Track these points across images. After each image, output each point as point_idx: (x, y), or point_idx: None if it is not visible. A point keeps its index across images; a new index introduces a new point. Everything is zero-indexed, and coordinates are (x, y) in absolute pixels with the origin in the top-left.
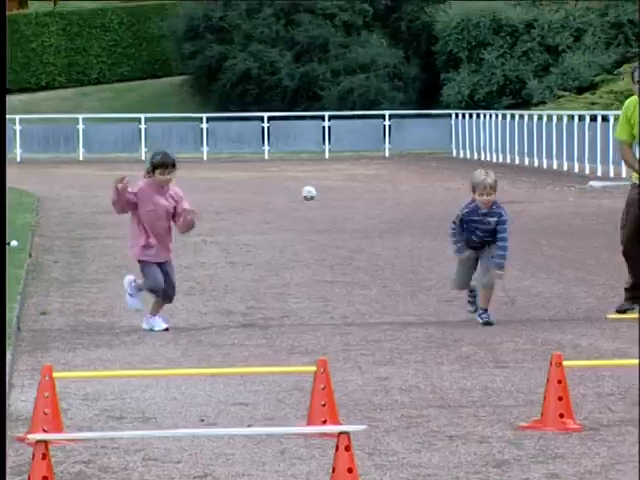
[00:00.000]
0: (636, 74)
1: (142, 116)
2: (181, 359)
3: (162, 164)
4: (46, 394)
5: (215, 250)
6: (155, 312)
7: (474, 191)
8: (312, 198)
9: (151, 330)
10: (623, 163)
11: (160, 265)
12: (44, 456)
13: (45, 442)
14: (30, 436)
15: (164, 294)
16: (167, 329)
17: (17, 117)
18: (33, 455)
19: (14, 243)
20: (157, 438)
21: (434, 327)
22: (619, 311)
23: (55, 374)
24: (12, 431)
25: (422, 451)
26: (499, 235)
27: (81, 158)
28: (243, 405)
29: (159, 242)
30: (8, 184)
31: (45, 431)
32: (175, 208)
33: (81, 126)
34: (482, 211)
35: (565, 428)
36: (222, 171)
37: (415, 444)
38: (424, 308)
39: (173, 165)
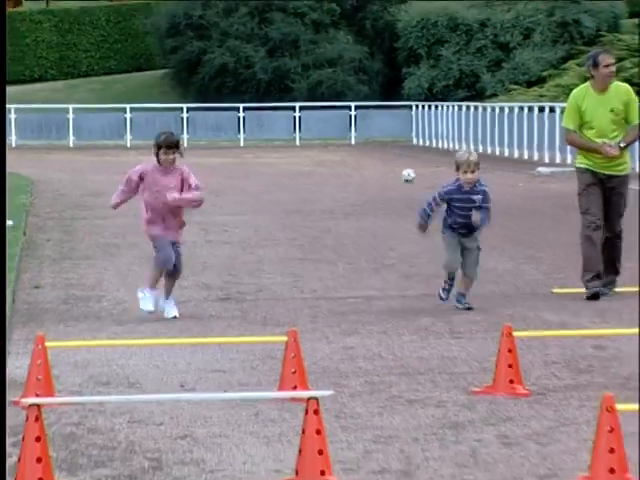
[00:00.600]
0: (590, 61)
1: (127, 106)
2: (163, 329)
3: (165, 144)
4: (39, 362)
5: (194, 229)
6: (167, 294)
7: (458, 169)
8: (412, 180)
9: (142, 309)
10: (573, 148)
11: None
12: (37, 418)
13: (38, 406)
14: (24, 400)
15: (169, 274)
16: (150, 312)
17: (12, 107)
18: (27, 417)
19: (10, 223)
20: (141, 402)
21: (395, 301)
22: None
23: (47, 343)
24: (8, 395)
25: (384, 414)
26: (487, 206)
27: (71, 145)
28: (220, 372)
29: (165, 223)
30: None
31: (38, 395)
32: (182, 186)
33: (71, 115)
34: (465, 189)
35: (515, 393)
36: (201, 157)
37: (378, 408)
38: (386, 283)
39: (176, 146)
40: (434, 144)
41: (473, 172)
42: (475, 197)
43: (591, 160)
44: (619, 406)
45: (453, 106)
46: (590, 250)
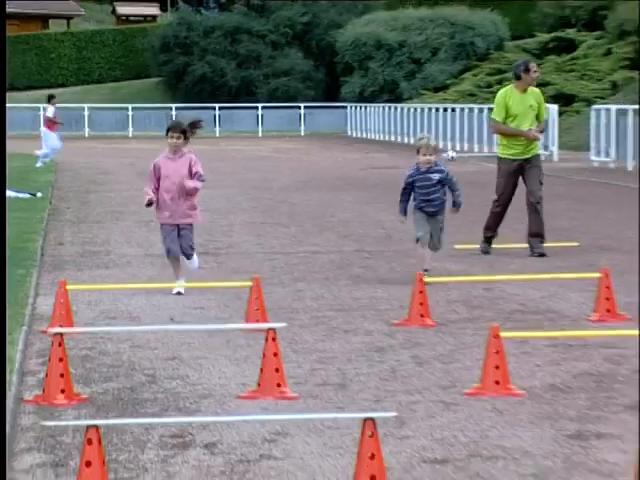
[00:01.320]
0: (522, 67)
1: (129, 106)
2: (157, 276)
3: (170, 127)
4: (61, 300)
5: None
6: (177, 275)
7: (418, 152)
8: (453, 159)
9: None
10: (498, 136)
11: (179, 228)
12: (60, 344)
13: (61, 334)
14: (50, 330)
15: (181, 249)
16: (179, 293)
17: (41, 105)
18: (52, 343)
19: (39, 194)
20: (140, 332)
21: (334, 255)
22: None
23: (68, 286)
24: (37, 326)
25: (325, 341)
26: (452, 184)
27: (87, 135)
28: (200, 309)
29: (174, 205)
30: (35, 153)
31: (61, 326)
32: (190, 171)
33: (86, 112)
34: (423, 169)
35: (424, 324)
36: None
37: (321, 336)
38: (327, 241)
39: (181, 131)
40: (364, 135)
41: (430, 155)
42: (433, 176)
43: (512, 150)
44: (503, 334)
45: (378, 107)
46: (493, 220)
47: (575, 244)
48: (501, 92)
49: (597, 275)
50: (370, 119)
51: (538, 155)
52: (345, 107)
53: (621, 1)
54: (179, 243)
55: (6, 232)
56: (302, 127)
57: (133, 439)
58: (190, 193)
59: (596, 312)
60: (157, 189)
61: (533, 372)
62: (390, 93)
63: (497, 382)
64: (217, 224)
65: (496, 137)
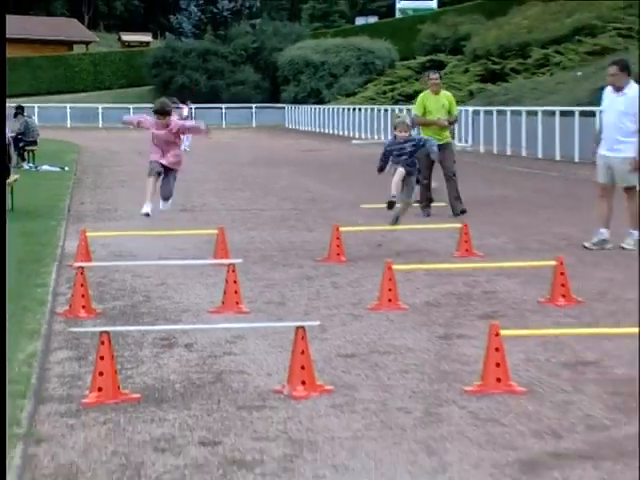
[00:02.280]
0: (426, 76)
1: (131, 106)
2: (150, 226)
3: (156, 111)
4: (83, 243)
5: None
6: (147, 199)
7: (395, 129)
8: (359, 145)
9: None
10: (420, 126)
11: (165, 170)
12: (82, 274)
13: (82, 267)
14: (74, 264)
15: (161, 191)
16: (147, 215)
17: (68, 105)
18: (76, 273)
19: (67, 168)
20: (138, 266)
21: (275, 212)
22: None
23: (87, 233)
24: (66, 262)
25: (270, 272)
26: (422, 141)
27: (100, 126)
28: (182, 250)
29: (163, 151)
30: (63, 139)
31: (82, 261)
32: (177, 132)
33: (100, 111)
34: (400, 141)
35: (339, 260)
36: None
37: (267, 269)
38: (270, 203)
39: (167, 113)
40: (297, 128)
41: (405, 131)
42: (406, 145)
43: (429, 136)
44: (395, 266)
45: (307, 107)
46: (424, 190)
47: (443, 204)
48: (421, 95)
49: (459, 226)
50: (302, 116)
51: (450, 142)
52: (284, 107)
53: (476, 34)
54: (162, 185)
55: (6, 232)
56: (253, 121)
57: (134, 341)
58: (193, 132)
59: (458, 251)
60: (152, 140)
61: (414, 293)
62: (315, 98)
63: (390, 300)
64: (193, 190)
65: (417, 128)
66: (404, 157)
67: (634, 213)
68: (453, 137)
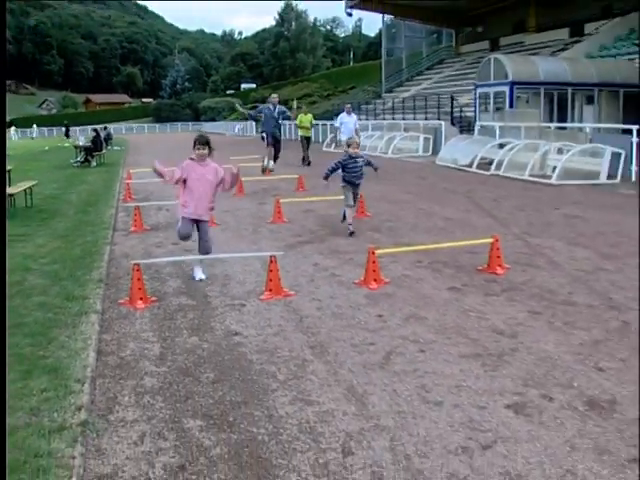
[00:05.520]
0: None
1: (146, 125)
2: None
3: (196, 140)
4: (128, 181)
5: (144, 160)
6: (196, 264)
7: (348, 146)
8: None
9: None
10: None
11: (197, 222)
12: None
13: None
14: (122, 204)
15: (200, 247)
16: (201, 280)
17: (123, 125)
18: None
19: (123, 148)
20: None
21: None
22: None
23: (131, 171)
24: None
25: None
26: (370, 162)
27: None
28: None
29: (198, 203)
30: (124, 138)
31: (129, 180)
32: (217, 179)
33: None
34: (353, 157)
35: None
36: (165, 135)
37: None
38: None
39: (205, 143)
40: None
41: (356, 148)
42: (358, 160)
43: (301, 132)
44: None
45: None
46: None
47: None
48: (300, 116)
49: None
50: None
51: (309, 137)
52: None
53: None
54: (199, 238)
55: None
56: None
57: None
58: (233, 183)
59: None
60: (184, 186)
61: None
62: None
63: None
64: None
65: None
66: (357, 171)
67: None
68: None
